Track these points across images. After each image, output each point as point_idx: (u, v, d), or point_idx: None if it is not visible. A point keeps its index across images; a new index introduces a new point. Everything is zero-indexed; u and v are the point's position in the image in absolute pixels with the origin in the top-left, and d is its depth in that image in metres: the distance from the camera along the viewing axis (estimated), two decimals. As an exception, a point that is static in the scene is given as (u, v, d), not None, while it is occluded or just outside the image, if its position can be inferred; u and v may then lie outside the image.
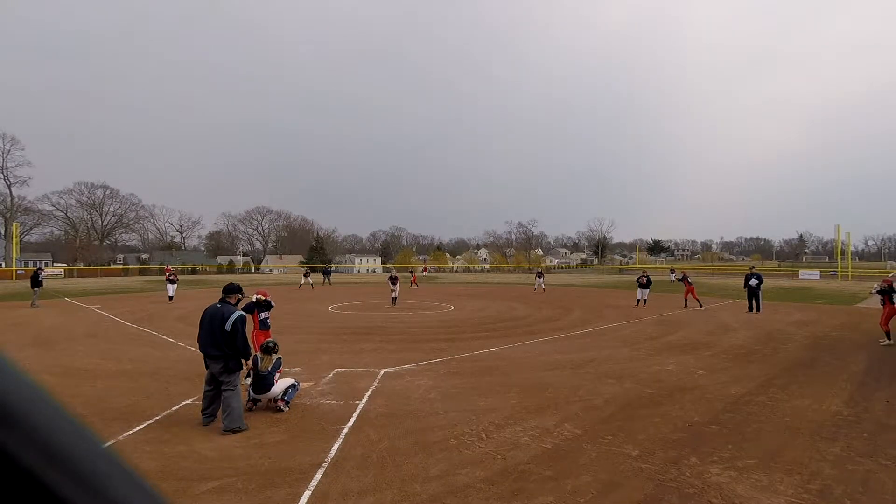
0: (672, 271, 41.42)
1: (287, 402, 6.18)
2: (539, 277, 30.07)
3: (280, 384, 6.24)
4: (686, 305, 19.02)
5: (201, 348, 5.61)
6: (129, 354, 9.80)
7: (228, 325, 5.37)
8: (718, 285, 33.96)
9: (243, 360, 5.65)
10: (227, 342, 5.39)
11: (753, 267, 21.00)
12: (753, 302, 17.54)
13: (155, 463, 4.60)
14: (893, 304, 10.88)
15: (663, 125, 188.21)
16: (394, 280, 21.29)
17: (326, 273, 40.04)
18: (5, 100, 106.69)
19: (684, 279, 19.49)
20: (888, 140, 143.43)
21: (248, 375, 6.24)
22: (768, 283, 36.82)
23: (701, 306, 18.33)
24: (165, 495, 0.45)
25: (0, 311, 17.62)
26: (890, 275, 13.92)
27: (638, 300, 19.48)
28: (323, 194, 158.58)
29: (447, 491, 4.06)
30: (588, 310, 18.84)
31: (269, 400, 6.26)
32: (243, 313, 5.71)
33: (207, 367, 5.63)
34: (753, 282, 17.61)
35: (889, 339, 10.68)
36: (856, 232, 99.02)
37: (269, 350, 6.46)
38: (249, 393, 6.30)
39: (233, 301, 5.80)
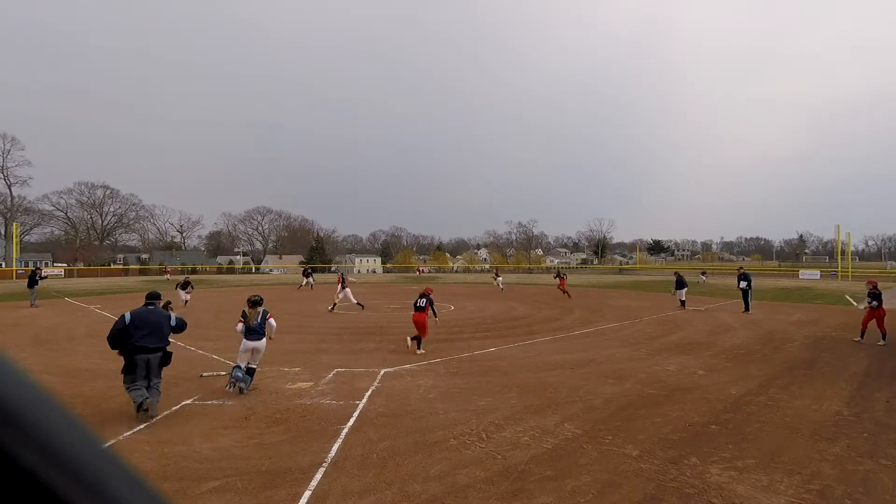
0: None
1: (246, 386, 6.76)
2: (497, 277, 30.89)
3: (270, 327, 7.18)
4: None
5: (140, 341, 5.98)
6: (129, 354, 9.79)
7: (174, 322, 6.42)
8: (718, 285, 33.93)
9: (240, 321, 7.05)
10: (174, 332, 6.46)
11: (742, 268, 21.06)
12: (743, 302, 17.72)
13: (155, 463, 4.60)
14: (882, 305, 10.89)
15: (663, 125, 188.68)
16: (307, 273, 18.20)
17: (307, 274, 39.86)
18: (5, 100, 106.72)
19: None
20: (888, 140, 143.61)
21: (239, 324, 7.01)
22: (768, 282, 36.75)
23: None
24: (165, 495, 0.45)
25: (0, 311, 17.63)
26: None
27: (682, 301, 19.33)
28: (323, 194, 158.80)
29: (447, 491, 4.05)
30: (588, 310, 18.83)
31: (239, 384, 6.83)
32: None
33: (137, 363, 5.90)
34: (742, 284, 17.77)
35: (883, 339, 10.73)
36: (856, 232, 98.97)
37: (255, 303, 6.98)
38: (232, 375, 6.81)
39: (160, 304, 6.61)
